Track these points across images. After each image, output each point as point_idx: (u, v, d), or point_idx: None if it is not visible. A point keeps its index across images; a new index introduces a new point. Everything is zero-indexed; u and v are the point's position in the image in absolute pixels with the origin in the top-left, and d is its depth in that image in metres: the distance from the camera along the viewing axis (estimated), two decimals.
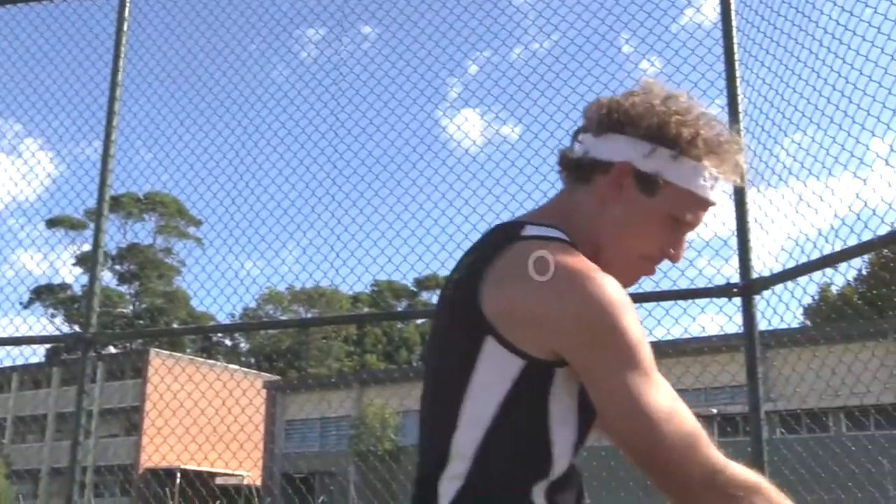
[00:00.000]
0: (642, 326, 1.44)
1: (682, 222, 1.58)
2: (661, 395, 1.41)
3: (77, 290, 54.58)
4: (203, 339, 61.07)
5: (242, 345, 66.94)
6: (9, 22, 6.57)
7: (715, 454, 1.42)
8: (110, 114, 5.86)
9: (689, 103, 1.61)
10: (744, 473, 1.43)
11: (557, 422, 1.46)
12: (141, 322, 56.40)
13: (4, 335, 6.05)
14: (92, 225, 5.77)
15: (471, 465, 1.45)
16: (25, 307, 57.09)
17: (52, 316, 59.47)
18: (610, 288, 1.41)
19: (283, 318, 57.76)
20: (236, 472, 37.81)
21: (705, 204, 1.58)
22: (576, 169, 1.61)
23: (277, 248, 6.22)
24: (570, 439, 1.48)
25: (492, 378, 1.44)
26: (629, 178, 1.55)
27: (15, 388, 52.51)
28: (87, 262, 5.99)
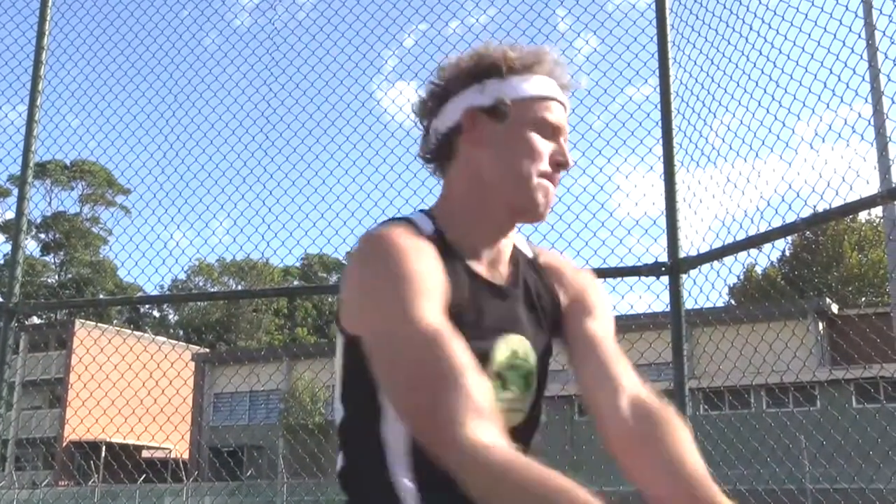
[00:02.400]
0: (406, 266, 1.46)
1: (546, 126, 1.63)
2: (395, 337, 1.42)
3: None
4: (130, 310, 60.08)
5: (171, 317, 66.04)
6: None
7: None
8: (35, 77, 5.70)
9: (483, 44, 1.70)
10: None
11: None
12: (66, 292, 55.22)
13: None
14: (15, 192, 5.62)
15: (341, 445, 1.62)
16: None
17: None
18: (371, 246, 1.51)
19: (213, 290, 57.00)
20: (163, 446, 37.40)
21: (548, 100, 1.64)
22: (440, 150, 1.66)
23: (208, 218, 6.13)
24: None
25: (337, 360, 1.60)
26: (479, 118, 1.61)
27: None
28: (9, 229, 5.84)
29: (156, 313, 65.09)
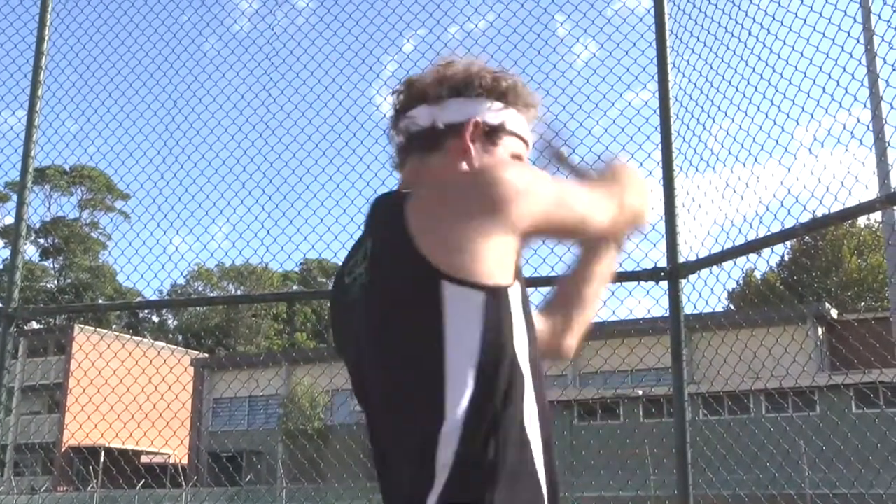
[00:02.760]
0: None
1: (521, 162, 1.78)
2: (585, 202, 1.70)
3: None
4: (129, 315, 60.03)
5: (170, 322, 65.98)
6: None
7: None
8: (35, 83, 5.71)
9: (494, 66, 1.79)
10: None
11: (520, 341, 1.52)
12: (65, 297, 55.16)
13: None
14: (14, 197, 5.62)
15: (467, 410, 1.45)
16: None
17: None
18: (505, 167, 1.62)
19: (212, 295, 57.05)
20: (162, 451, 37.34)
21: (528, 144, 1.80)
22: (426, 139, 1.71)
23: (207, 224, 6.14)
24: (528, 354, 1.54)
25: (462, 322, 1.47)
26: (480, 131, 1.70)
27: None
28: (9, 235, 5.84)
29: (155, 318, 65.07)
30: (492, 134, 1.71)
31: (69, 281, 61.14)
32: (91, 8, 6.24)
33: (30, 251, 61.91)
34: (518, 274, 1.54)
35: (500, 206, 1.47)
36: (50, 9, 5.90)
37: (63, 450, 40.62)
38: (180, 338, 61.52)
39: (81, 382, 6.68)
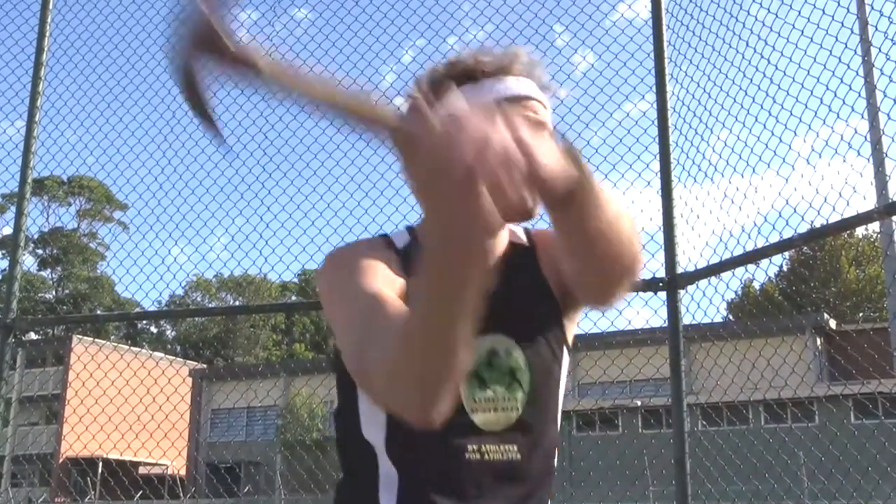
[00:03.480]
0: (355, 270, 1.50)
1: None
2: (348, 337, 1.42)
3: None
4: (128, 325, 59.99)
5: (169, 332, 65.91)
6: None
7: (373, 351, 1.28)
8: (34, 93, 5.71)
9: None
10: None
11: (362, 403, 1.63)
12: (64, 308, 55.10)
13: None
14: (12, 208, 5.62)
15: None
16: None
17: None
18: (327, 261, 1.61)
19: (211, 305, 57.00)
20: (160, 462, 37.27)
21: (526, 99, 1.59)
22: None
23: (205, 234, 6.14)
24: (382, 421, 1.59)
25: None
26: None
27: None
28: (7, 245, 5.85)
29: (153, 329, 64.99)
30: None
31: (67, 291, 61.09)
32: (90, 19, 6.25)
33: (28, 262, 61.92)
34: None
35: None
36: (49, 20, 5.92)
37: (61, 461, 40.52)
38: (178, 348, 61.45)
39: (80, 393, 6.66)
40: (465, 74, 1.60)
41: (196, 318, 63.24)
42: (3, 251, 44.61)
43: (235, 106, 6.02)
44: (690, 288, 4.53)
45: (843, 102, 4.02)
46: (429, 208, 1.08)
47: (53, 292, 61.55)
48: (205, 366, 46.81)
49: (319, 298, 1.60)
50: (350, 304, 1.43)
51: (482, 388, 1.58)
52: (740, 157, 4.46)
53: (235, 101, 6.01)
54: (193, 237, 6.18)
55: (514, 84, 1.60)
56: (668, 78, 4.76)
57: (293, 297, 58.34)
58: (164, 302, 54.96)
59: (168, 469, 38.26)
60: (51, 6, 5.93)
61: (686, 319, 4.51)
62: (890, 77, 3.93)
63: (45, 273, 62.36)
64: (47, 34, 5.88)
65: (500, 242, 1.66)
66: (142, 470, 38.21)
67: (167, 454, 35.53)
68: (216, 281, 59.00)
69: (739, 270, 4.49)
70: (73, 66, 6.24)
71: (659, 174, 4.67)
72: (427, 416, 1.20)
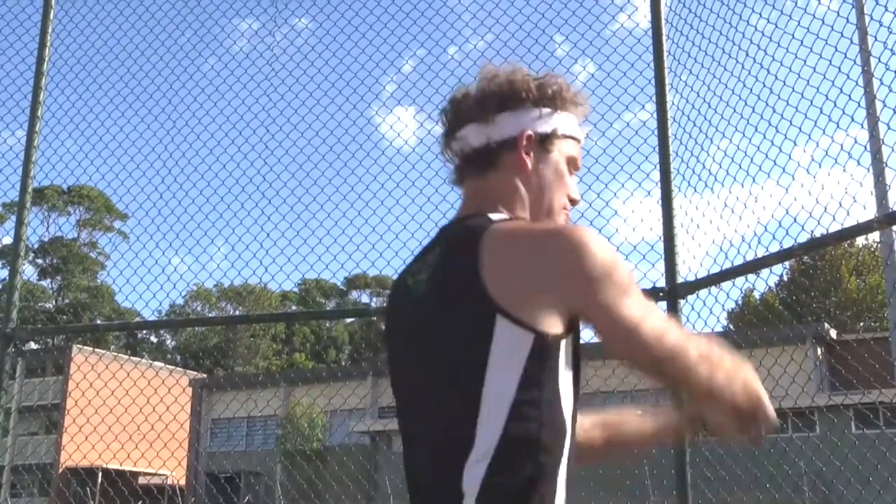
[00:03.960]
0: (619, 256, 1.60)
1: (574, 164, 1.80)
2: (648, 317, 1.57)
3: None
4: (128, 335, 59.93)
5: (169, 342, 65.83)
6: None
7: (686, 343, 1.61)
8: (35, 103, 5.72)
9: (536, 73, 1.81)
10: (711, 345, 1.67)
11: (565, 393, 1.56)
12: (64, 317, 55.06)
13: None
14: (13, 217, 5.62)
15: (498, 442, 1.50)
16: None
17: None
18: (593, 235, 1.57)
19: (211, 315, 56.90)
20: (159, 472, 37.18)
21: (580, 142, 1.81)
22: (481, 158, 1.73)
23: (206, 244, 6.14)
24: (571, 409, 1.58)
25: (508, 358, 1.52)
26: (533, 142, 1.72)
27: None
28: (7, 255, 5.84)
29: (153, 339, 64.93)
30: (545, 141, 1.74)
31: (67, 301, 61.05)
32: (91, 29, 6.27)
33: (28, 271, 61.89)
34: (573, 331, 1.59)
35: (573, 272, 1.54)
36: (50, 30, 5.93)
37: (60, 471, 40.43)
38: (179, 358, 61.38)
39: (79, 403, 6.65)
40: (552, 98, 1.76)
41: (196, 328, 63.19)
42: (4, 261, 44.60)
43: (236, 115, 6.03)
44: (690, 297, 4.53)
45: (843, 112, 4.03)
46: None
47: (53, 302, 61.51)
48: (205, 376, 46.76)
49: (584, 263, 1.54)
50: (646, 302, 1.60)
51: None
52: (740, 167, 4.47)
53: (236, 111, 6.02)
54: (193, 247, 6.19)
55: (578, 124, 1.81)
56: (667, 88, 4.77)
57: (293, 307, 58.35)
58: (164, 311, 54.96)
59: (168, 479, 38.19)
60: (52, 16, 5.94)
61: (687, 329, 4.50)
62: (889, 87, 3.94)
63: (46, 283, 62.36)
64: (48, 44, 5.89)
65: None
66: (141, 480, 38.12)
67: (167, 464, 35.48)
68: (216, 290, 58.97)
69: (739, 280, 4.49)
70: (73, 76, 6.25)
71: (659, 184, 4.68)
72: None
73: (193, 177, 5.97)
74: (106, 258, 60.79)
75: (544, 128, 1.73)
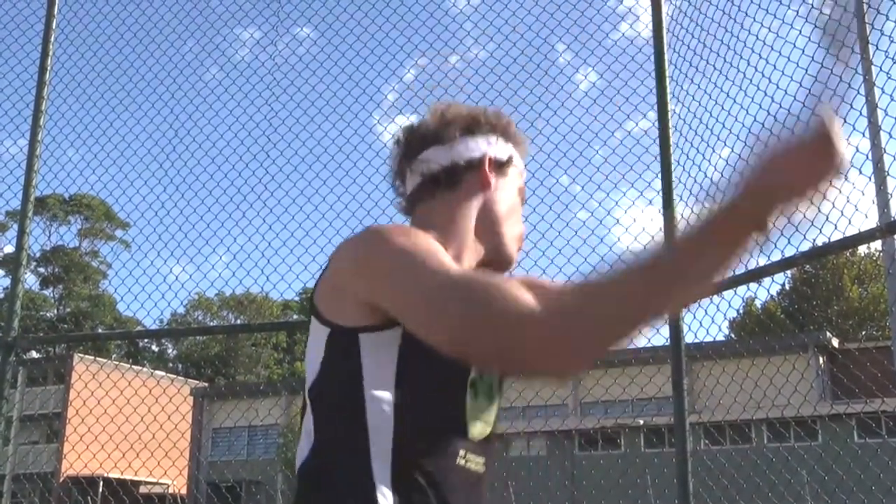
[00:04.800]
0: (429, 245, 1.49)
1: (522, 196, 1.87)
2: (453, 288, 1.39)
3: None
4: (129, 344, 59.91)
5: (170, 351, 65.81)
6: None
7: (519, 305, 1.32)
8: (37, 112, 5.73)
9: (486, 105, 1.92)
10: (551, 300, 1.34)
11: (373, 385, 1.53)
12: (65, 326, 55.06)
13: None
14: (14, 226, 5.63)
15: (313, 439, 1.57)
16: None
17: None
18: (392, 228, 1.54)
19: (212, 324, 56.89)
20: (161, 481, 37.14)
21: (523, 176, 1.88)
22: (447, 177, 1.77)
23: (207, 253, 6.14)
24: (390, 408, 1.52)
25: (312, 353, 1.59)
26: (493, 166, 1.78)
27: None
28: (8, 264, 5.84)
29: (154, 347, 64.91)
30: (503, 166, 1.80)
31: (69, 310, 61.06)
32: (93, 38, 6.28)
33: (29, 280, 61.89)
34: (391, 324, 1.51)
35: (359, 263, 1.53)
36: (52, 39, 5.94)
37: (61, 480, 40.39)
38: (180, 367, 61.34)
39: (80, 412, 6.64)
40: (504, 129, 1.83)
41: (197, 337, 63.19)
42: (5, 270, 44.62)
43: (238, 124, 6.04)
44: (692, 306, 4.53)
45: (845, 121, 4.03)
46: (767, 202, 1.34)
47: (55, 311, 61.52)
48: (206, 384, 46.74)
49: (352, 261, 1.53)
50: (442, 268, 1.43)
51: (475, 397, 1.61)
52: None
53: (238, 120, 6.03)
54: (195, 255, 6.19)
55: (523, 157, 1.89)
56: (669, 97, 4.77)
57: (295, 316, 58.26)
58: (166, 320, 54.98)
59: (169, 488, 38.14)
60: (54, 25, 5.96)
61: (688, 338, 4.51)
62: (891, 95, 3.94)
63: (47, 292, 62.37)
64: (50, 53, 5.90)
65: None
66: (143, 489, 38.08)
67: (168, 473, 35.46)
68: (217, 299, 58.98)
69: (741, 288, 4.48)
70: (75, 85, 6.26)
71: (661, 193, 4.68)
72: (576, 365, 1.34)
73: (195, 185, 5.98)
74: (107, 267, 60.85)
75: (502, 154, 1.80)
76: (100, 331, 49.10)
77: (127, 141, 6.21)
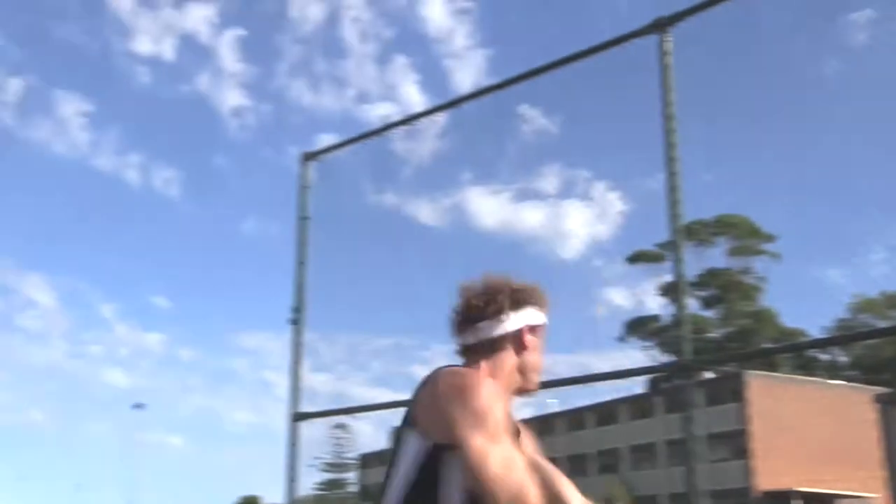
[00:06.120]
0: (499, 408, 2.22)
1: (545, 333, 2.60)
2: (498, 457, 2.14)
3: (665, 319, 56.60)
4: (797, 355, 59.19)
5: (842, 358, 63.44)
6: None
7: None
8: (668, 145, 5.96)
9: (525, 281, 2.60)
10: None
11: (450, 489, 2.24)
12: (733, 345, 56.40)
13: (608, 370, 6.42)
14: (668, 256, 5.90)
15: None
16: (621, 341, 60.70)
17: (646, 347, 62.39)
18: (474, 380, 2.26)
19: (881, 325, 53.44)
20: (860, 494, 35.65)
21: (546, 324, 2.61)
22: (497, 342, 2.48)
23: (863, 252, 5.77)
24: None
25: (408, 461, 2.30)
26: (529, 331, 2.52)
27: (624, 418, 56.08)
28: (670, 292, 6.16)
29: (824, 356, 63.13)
30: (534, 330, 2.54)
31: (733, 329, 62.54)
32: (710, 63, 6.34)
33: (692, 304, 64.80)
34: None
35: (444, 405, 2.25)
36: (670, 76, 6.11)
37: (755, 494, 41.13)
38: (856, 374, 58.69)
39: (761, 427, 6.67)
40: (538, 300, 2.56)
41: (867, 341, 59.89)
42: (668, 297, 47.36)
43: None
44: None
45: None
46: None
47: (720, 330, 63.47)
48: (889, 390, 43.95)
49: (450, 397, 2.23)
50: (503, 444, 2.18)
51: None
52: None
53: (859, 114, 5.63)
54: (850, 256, 5.86)
55: (545, 318, 2.63)
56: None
57: None
58: (831, 326, 53.05)
59: (871, 501, 36.44)
60: (670, 63, 6.13)
61: None
62: None
63: (709, 313, 64.70)
64: (671, 88, 6.09)
65: None
66: (842, 502, 36.94)
67: (866, 486, 33.93)
68: (883, 298, 55.42)
69: None
70: (700, 107, 6.38)
71: None
72: None
73: (833, 184, 5.69)
74: (762, 281, 61.21)
75: (536, 321, 2.55)
76: (765, 346, 49.34)
77: (756, 151, 6.16)
